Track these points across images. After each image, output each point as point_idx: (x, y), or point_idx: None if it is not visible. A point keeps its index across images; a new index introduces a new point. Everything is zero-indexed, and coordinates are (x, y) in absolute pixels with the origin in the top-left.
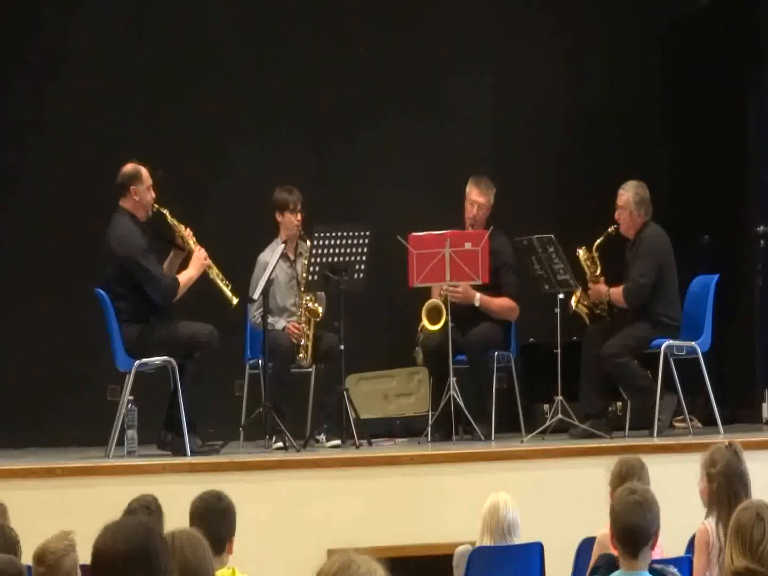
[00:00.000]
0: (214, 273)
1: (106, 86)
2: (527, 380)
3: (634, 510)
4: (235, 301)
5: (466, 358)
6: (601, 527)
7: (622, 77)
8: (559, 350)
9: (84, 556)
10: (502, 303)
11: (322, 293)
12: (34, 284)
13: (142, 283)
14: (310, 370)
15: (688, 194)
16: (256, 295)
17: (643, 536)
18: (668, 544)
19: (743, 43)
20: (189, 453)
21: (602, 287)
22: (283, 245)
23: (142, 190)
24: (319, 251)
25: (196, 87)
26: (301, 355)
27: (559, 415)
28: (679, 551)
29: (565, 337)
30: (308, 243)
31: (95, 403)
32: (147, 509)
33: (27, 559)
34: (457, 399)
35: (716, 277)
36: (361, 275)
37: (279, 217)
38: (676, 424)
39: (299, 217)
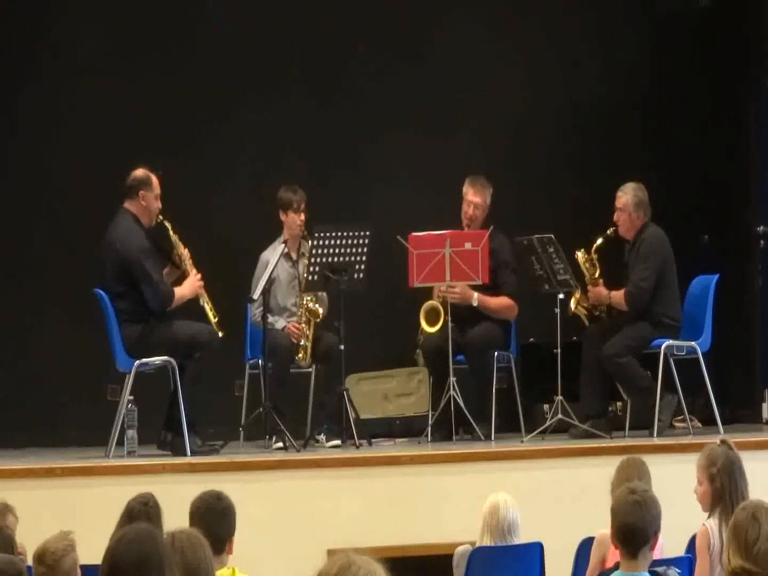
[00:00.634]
0: (205, 300)
1: (107, 88)
2: (527, 380)
3: (632, 510)
4: (220, 334)
5: (466, 359)
6: (601, 527)
7: (621, 77)
8: (559, 350)
9: (84, 556)
10: (501, 302)
11: (324, 294)
12: (34, 285)
13: (140, 284)
14: (310, 370)
15: (687, 194)
16: (256, 295)
17: (641, 536)
18: (668, 544)
19: (743, 43)
20: (189, 453)
21: (602, 290)
22: (283, 245)
23: (151, 196)
24: (319, 251)
25: (198, 87)
26: (300, 355)
27: (559, 415)
28: (679, 551)
29: (565, 337)
30: (309, 243)
31: (95, 403)
32: (146, 508)
33: (27, 559)
34: (457, 399)
35: (716, 277)
36: (361, 275)
37: (283, 216)
38: (676, 424)
39: (302, 216)
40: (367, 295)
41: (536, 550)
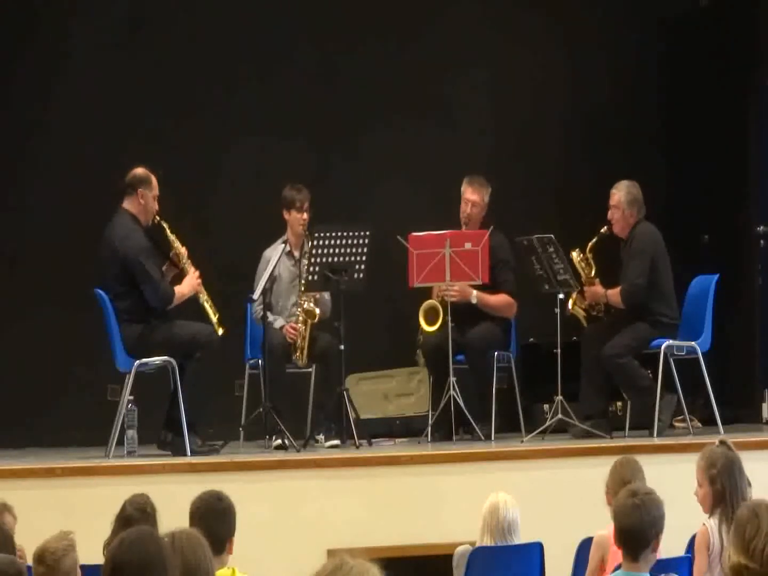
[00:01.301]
0: (204, 299)
1: (107, 86)
2: (527, 380)
3: (633, 513)
4: (220, 331)
5: (466, 358)
6: (601, 527)
7: (621, 77)
8: (559, 350)
9: (84, 556)
10: (500, 300)
11: (327, 295)
12: (34, 284)
13: (141, 284)
14: (309, 370)
15: (687, 194)
16: (256, 295)
17: (642, 539)
18: (668, 545)
19: (743, 43)
20: (189, 453)
21: (599, 289)
22: (284, 244)
23: (150, 196)
24: (319, 251)
25: (198, 86)
26: (296, 354)
27: (559, 415)
28: (679, 551)
29: (565, 337)
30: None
31: (95, 403)
32: (142, 509)
33: (27, 559)
34: (457, 399)
35: (716, 277)
36: (361, 275)
37: (286, 215)
38: (676, 424)
39: (305, 216)
40: (367, 295)
41: (536, 550)
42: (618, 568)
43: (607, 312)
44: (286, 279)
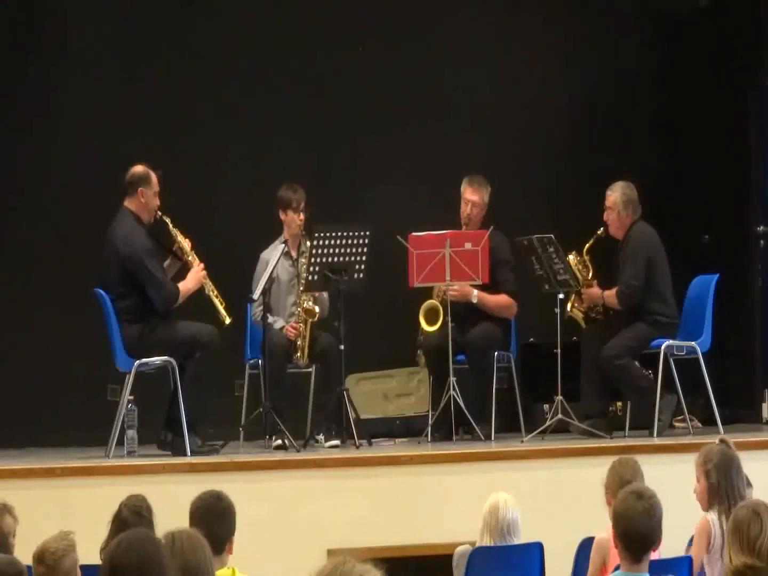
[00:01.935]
0: (209, 289)
1: (106, 86)
2: (527, 380)
3: (642, 518)
4: (228, 320)
5: (466, 358)
6: (601, 527)
7: (621, 77)
8: (559, 350)
9: (84, 556)
10: (500, 300)
11: (325, 294)
12: (34, 284)
13: (145, 284)
14: (309, 370)
15: (688, 194)
16: (256, 295)
17: (648, 543)
18: (668, 545)
19: (743, 43)
20: (189, 453)
21: (595, 291)
22: (283, 245)
23: (150, 193)
24: (319, 251)
25: (198, 86)
26: (297, 354)
27: (559, 415)
28: (679, 551)
29: (565, 337)
30: (308, 243)
31: (95, 403)
32: (137, 512)
33: (27, 559)
34: (457, 399)
35: (716, 277)
36: (361, 275)
37: (282, 216)
38: (676, 424)
39: (302, 216)
40: (367, 295)
41: (536, 550)
42: (617, 568)
43: (605, 314)
44: (285, 279)
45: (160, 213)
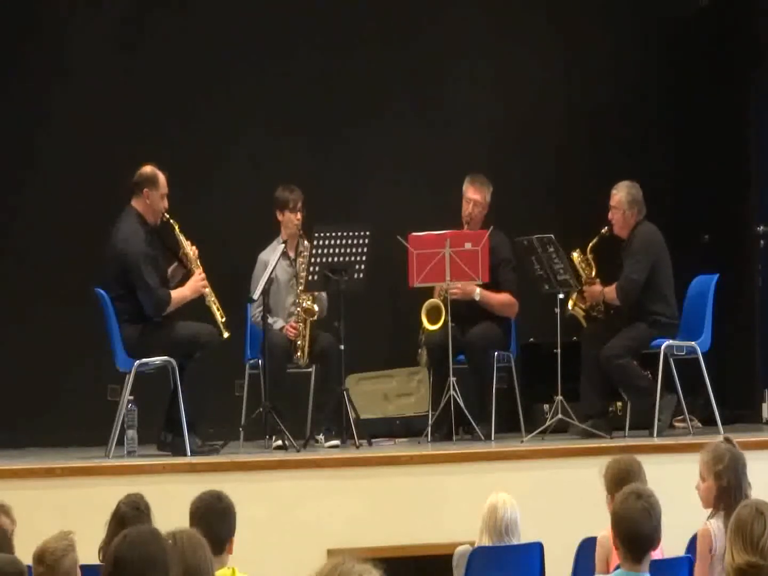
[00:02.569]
0: (211, 300)
1: (106, 86)
2: (527, 380)
3: (642, 518)
4: (226, 335)
5: (467, 358)
6: (601, 527)
7: (621, 77)
8: (559, 350)
9: (84, 556)
10: (502, 299)
11: (324, 294)
12: (34, 284)
13: (137, 288)
14: (309, 370)
15: (688, 194)
16: (256, 295)
17: (648, 543)
18: (668, 544)
19: (743, 43)
20: (189, 453)
21: (597, 288)
22: (282, 245)
23: (156, 195)
24: (319, 251)
25: (197, 86)
26: (298, 354)
27: (559, 415)
28: (679, 551)
29: (565, 337)
30: (306, 243)
31: (95, 403)
32: (135, 506)
33: (27, 559)
34: (457, 399)
35: (716, 277)
36: (361, 275)
37: (279, 216)
38: (676, 424)
39: (299, 216)
40: (367, 295)
41: (536, 550)
42: (617, 567)
43: (606, 313)
44: (283, 279)
45: (167, 216)
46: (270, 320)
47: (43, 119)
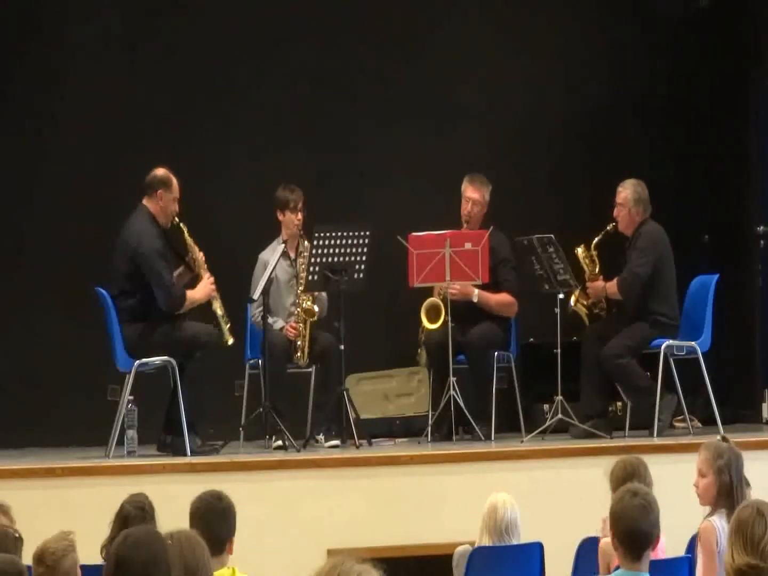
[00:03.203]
0: (218, 305)
1: (107, 89)
2: (527, 380)
3: (638, 515)
4: (230, 341)
5: (467, 358)
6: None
7: (621, 77)
8: (559, 350)
9: (84, 556)
10: (501, 299)
11: (324, 294)
12: (34, 284)
13: (152, 284)
14: (309, 370)
15: (688, 194)
16: (256, 295)
17: (647, 540)
18: (668, 544)
19: (743, 43)
20: (189, 453)
21: (600, 283)
22: (282, 245)
23: (169, 197)
24: (319, 251)
25: (198, 86)
26: (298, 354)
27: (559, 415)
28: (679, 551)
29: (565, 337)
30: (306, 243)
31: (95, 403)
32: (140, 507)
33: (27, 559)
34: (457, 399)
35: (716, 277)
36: (361, 275)
37: (280, 216)
38: (676, 424)
39: (300, 216)
40: (367, 295)
41: (536, 550)
42: (617, 568)
43: (608, 311)
44: (283, 280)
45: (177, 220)
46: (270, 320)
47: (43, 119)
